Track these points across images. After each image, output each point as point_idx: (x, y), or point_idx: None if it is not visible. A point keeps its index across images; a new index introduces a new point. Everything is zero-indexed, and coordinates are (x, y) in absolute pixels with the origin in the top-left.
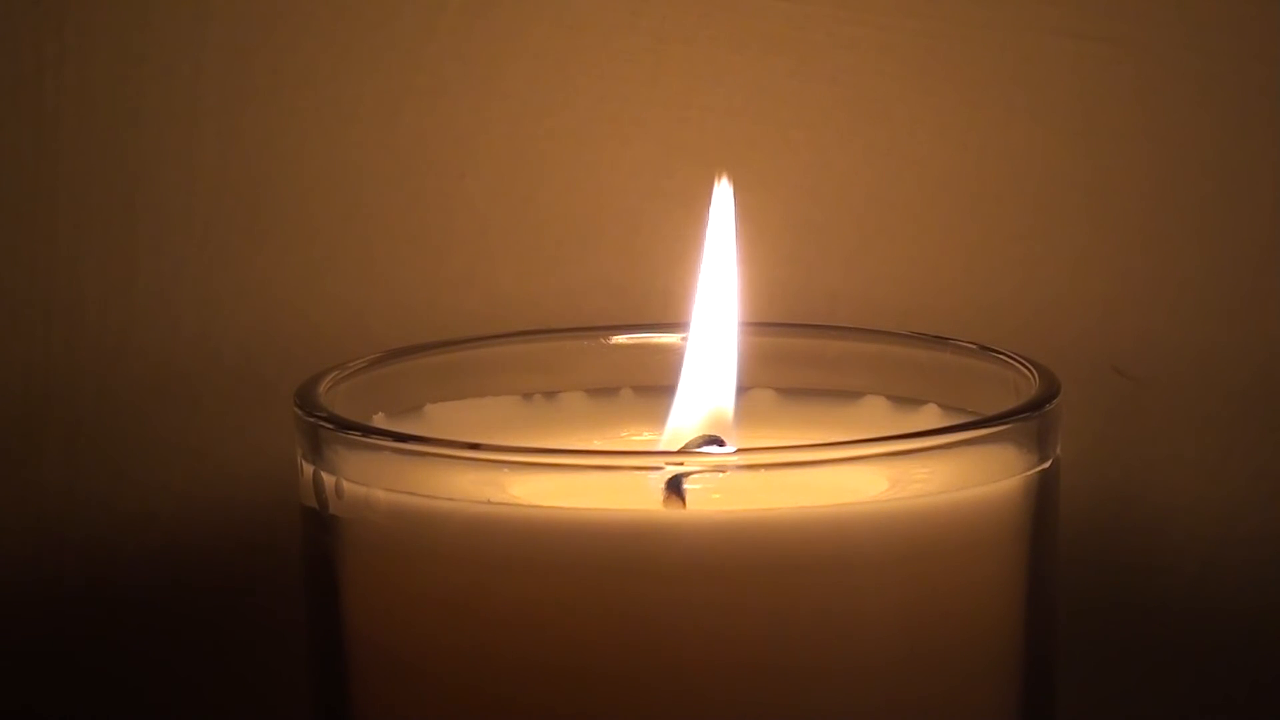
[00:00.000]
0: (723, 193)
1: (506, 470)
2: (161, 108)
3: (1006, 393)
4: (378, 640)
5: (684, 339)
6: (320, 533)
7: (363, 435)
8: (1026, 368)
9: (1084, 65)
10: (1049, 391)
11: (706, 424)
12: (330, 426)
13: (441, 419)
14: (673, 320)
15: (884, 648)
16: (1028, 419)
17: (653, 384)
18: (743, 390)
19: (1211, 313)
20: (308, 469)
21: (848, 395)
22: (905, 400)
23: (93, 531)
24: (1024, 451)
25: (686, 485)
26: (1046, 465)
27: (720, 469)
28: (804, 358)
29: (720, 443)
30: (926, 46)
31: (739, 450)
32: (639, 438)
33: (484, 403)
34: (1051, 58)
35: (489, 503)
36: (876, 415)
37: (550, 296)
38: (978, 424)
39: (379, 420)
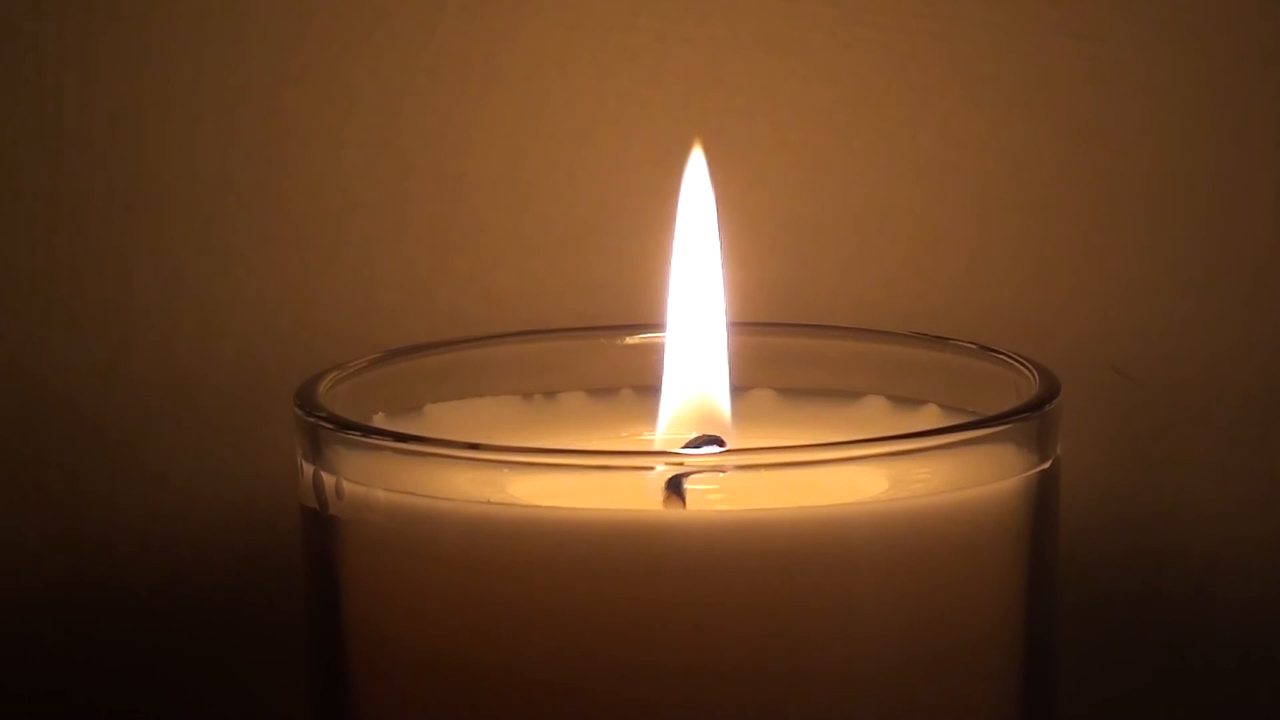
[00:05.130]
0: (697, 164)
1: (506, 470)
2: (161, 108)
3: (1006, 393)
4: (378, 639)
5: (671, 335)
6: (320, 533)
7: (363, 435)
8: (1026, 368)
9: (1085, 65)
10: (1049, 391)
11: (703, 424)
12: (330, 426)
13: (441, 419)
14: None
15: (884, 648)
16: (1028, 419)
17: (653, 384)
18: (743, 390)
19: (1212, 313)
20: (308, 469)
21: (848, 395)
22: (905, 400)
23: (93, 531)
24: (1024, 451)
25: (686, 485)
26: (1046, 465)
27: (720, 469)
28: (804, 358)
29: (720, 443)
30: (926, 46)
31: (739, 450)
32: (639, 438)
33: (484, 403)
34: (1053, 58)
35: (489, 503)
36: (876, 415)
37: (550, 296)
38: (978, 424)
39: (379, 420)
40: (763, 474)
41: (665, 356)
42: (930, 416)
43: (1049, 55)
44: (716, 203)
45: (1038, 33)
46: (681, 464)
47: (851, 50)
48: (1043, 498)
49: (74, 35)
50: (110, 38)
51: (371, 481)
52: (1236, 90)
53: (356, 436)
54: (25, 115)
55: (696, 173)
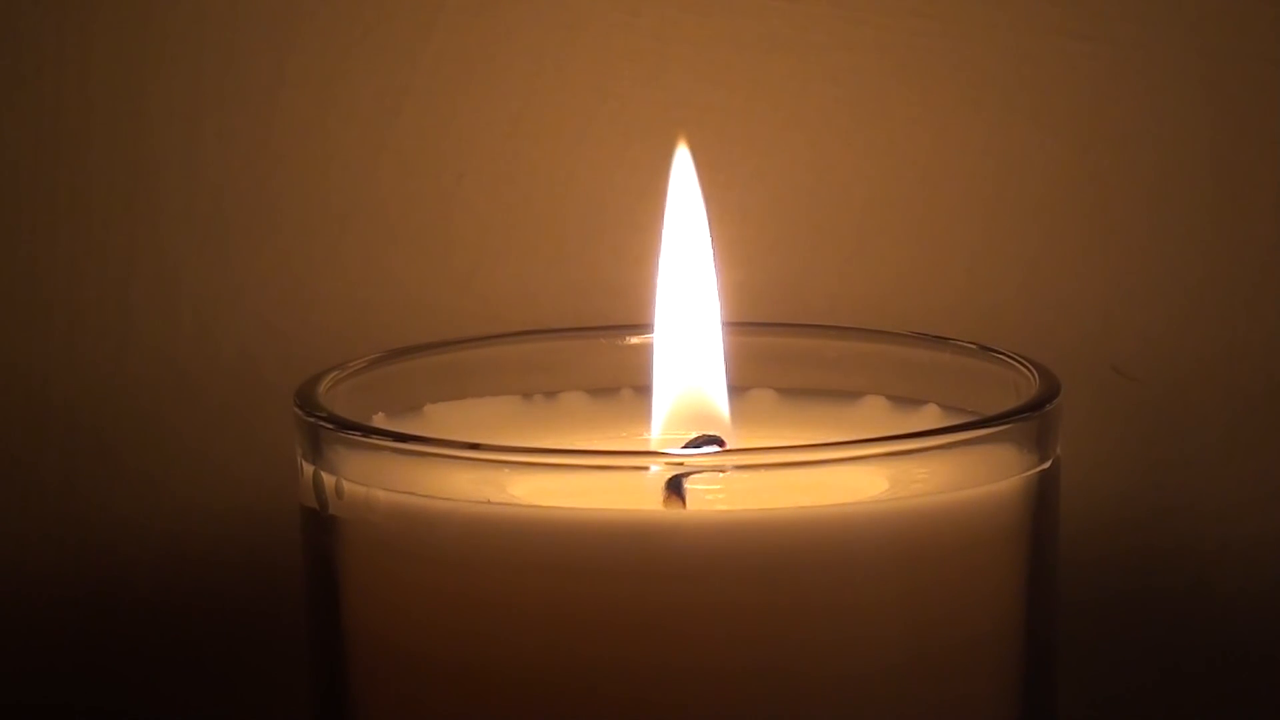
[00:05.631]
0: (682, 162)
1: (506, 470)
2: (161, 108)
3: (1006, 393)
4: (378, 640)
5: (662, 335)
6: (320, 533)
7: (363, 435)
8: (1026, 368)
9: (1085, 66)
10: (1049, 391)
11: (701, 424)
12: (330, 426)
13: (441, 419)
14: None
15: (884, 647)
16: (1028, 419)
17: (653, 384)
18: (743, 390)
19: (1212, 313)
20: (308, 469)
21: (848, 395)
22: (905, 400)
23: (92, 532)
24: (1024, 451)
25: (686, 485)
26: (1046, 465)
27: (720, 469)
28: (804, 358)
29: (720, 442)
30: (926, 46)
31: (739, 450)
32: (639, 438)
33: (484, 403)
34: (1052, 58)
35: (489, 503)
36: (876, 415)
37: (550, 296)
38: (978, 424)
39: (379, 420)
40: (763, 474)
41: (655, 356)
42: (930, 416)
43: (1049, 55)
44: (716, 203)
45: (1038, 33)
46: (681, 464)
47: (851, 50)
48: (1043, 498)
49: (74, 35)
50: (110, 38)
51: (371, 481)
52: (1236, 90)
53: (356, 436)
54: (25, 115)
55: (682, 170)
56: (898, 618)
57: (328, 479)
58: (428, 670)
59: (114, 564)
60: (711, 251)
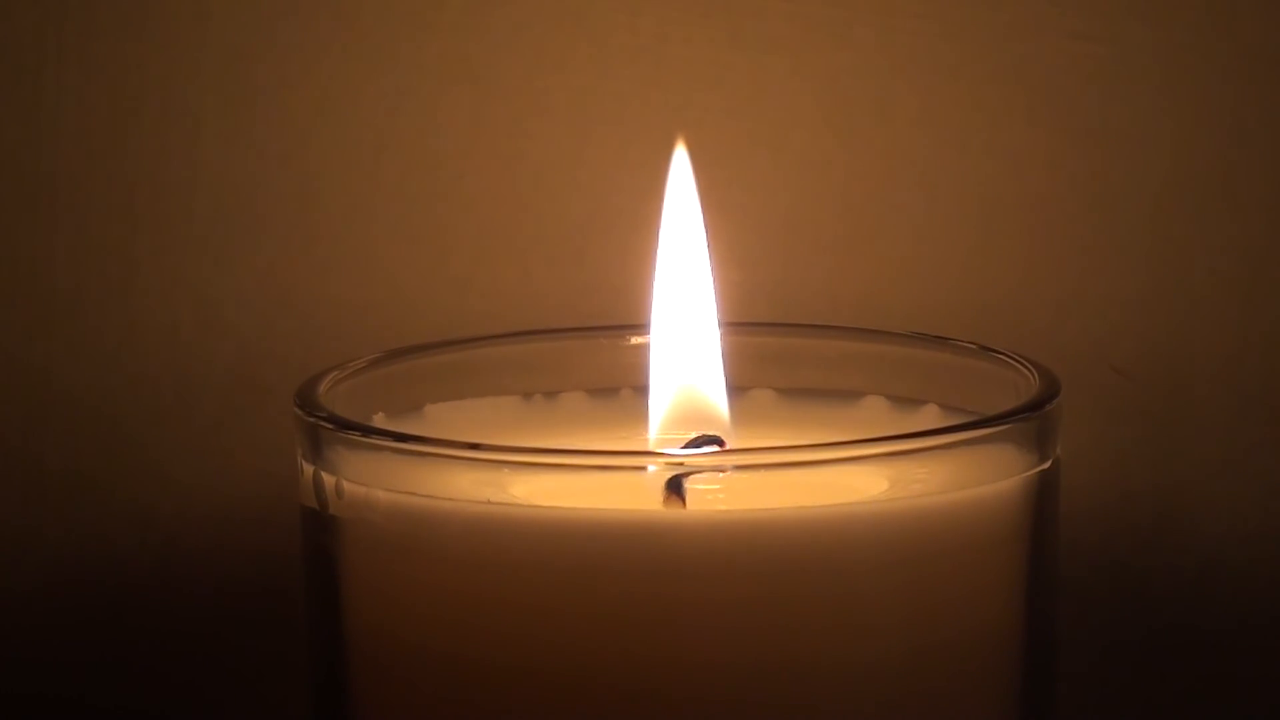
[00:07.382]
0: (680, 164)
1: (506, 470)
2: (161, 108)
3: (1006, 393)
4: (378, 640)
5: (658, 335)
6: (320, 533)
7: (363, 435)
8: (1026, 368)
9: (1084, 65)
10: (1049, 391)
11: (701, 424)
12: (330, 426)
13: (441, 419)
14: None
15: (884, 648)
16: (1028, 419)
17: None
18: (742, 390)
19: (1212, 312)
20: (308, 469)
21: (848, 395)
22: (905, 400)
23: (92, 531)
24: (1024, 451)
25: (686, 485)
26: (1046, 465)
27: (720, 469)
28: (804, 358)
29: (719, 442)
30: (926, 46)
31: (739, 450)
32: (639, 438)
33: (484, 403)
34: (1051, 58)
35: (489, 503)
36: (876, 415)
37: (550, 296)
38: (978, 424)
39: (379, 420)
40: (763, 474)
41: (651, 357)
42: (930, 416)
43: (1048, 55)
44: (715, 203)
45: (1038, 33)
46: (681, 464)
47: (851, 50)
48: (1043, 498)
49: (74, 35)
50: (110, 38)
51: (371, 481)
52: (1236, 90)
53: (356, 436)
54: (25, 115)
55: (681, 170)
56: (897, 618)
57: (328, 479)
58: (428, 670)
59: (114, 563)
60: (710, 251)
